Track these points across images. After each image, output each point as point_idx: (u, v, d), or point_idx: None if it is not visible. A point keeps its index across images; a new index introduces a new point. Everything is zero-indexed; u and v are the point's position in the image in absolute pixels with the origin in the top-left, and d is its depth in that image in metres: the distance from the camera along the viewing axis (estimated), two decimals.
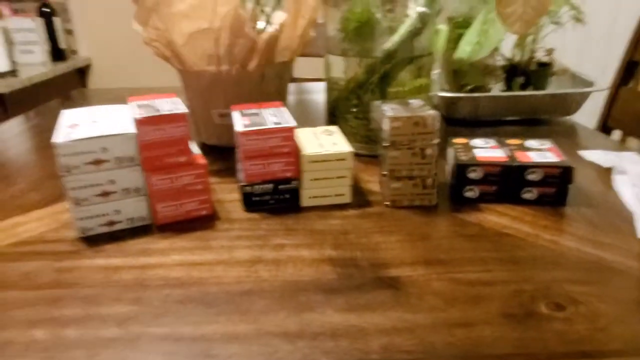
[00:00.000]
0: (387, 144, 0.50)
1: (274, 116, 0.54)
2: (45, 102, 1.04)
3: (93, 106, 0.55)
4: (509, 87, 0.87)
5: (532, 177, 0.51)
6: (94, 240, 0.47)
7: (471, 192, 0.53)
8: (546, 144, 0.56)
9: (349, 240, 0.46)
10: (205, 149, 0.72)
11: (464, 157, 0.53)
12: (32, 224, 0.51)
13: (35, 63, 1.81)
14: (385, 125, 0.50)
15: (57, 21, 1.88)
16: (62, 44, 1.91)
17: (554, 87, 0.89)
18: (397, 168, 0.51)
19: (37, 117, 0.93)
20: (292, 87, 1.15)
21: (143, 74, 2.11)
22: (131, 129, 0.47)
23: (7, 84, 1.48)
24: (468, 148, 0.56)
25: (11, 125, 0.89)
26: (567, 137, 0.76)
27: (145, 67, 2.10)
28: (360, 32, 0.67)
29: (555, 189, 0.51)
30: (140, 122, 0.46)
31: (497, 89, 0.88)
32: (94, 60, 2.10)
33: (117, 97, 1.05)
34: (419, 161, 0.51)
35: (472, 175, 0.52)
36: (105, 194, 0.47)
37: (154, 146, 0.47)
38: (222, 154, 0.70)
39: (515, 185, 0.52)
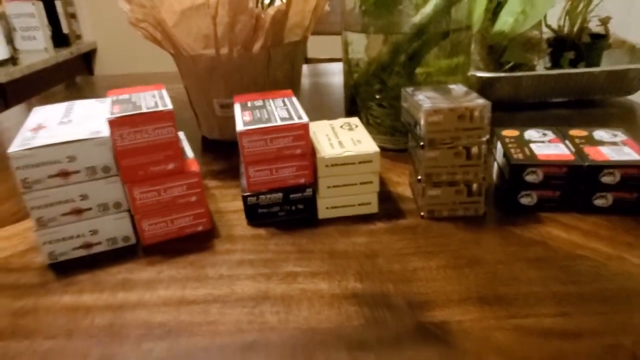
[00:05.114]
0: (423, 143, 0.40)
1: (283, 109, 0.44)
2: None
3: (75, 101, 0.46)
4: (555, 64, 0.75)
5: (607, 179, 0.41)
6: (66, 268, 0.39)
7: (528, 199, 0.43)
8: (620, 135, 0.46)
9: (378, 266, 0.37)
10: (207, 144, 0.63)
11: (519, 155, 0.42)
12: None
13: (37, 50, 1.73)
14: (421, 120, 0.40)
15: (58, 4, 1.79)
16: (65, 29, 1.83)
17: (607, 62, 0.77)
18: (435, 172, 0.42)
19: (39, 105, 0.85)
20: (306, 69, 1.04)
21: (153, 58, 2.02)
22: (104, 132, 0.38)
23: (6, 72, 1.41)
24: (522, 142, 0.45)
25: (10, 115, 0.81)
26: (630, 122, 0.64)
27: (155, 51, 2.01)
28: (384, 3, 0.56)
29: (636, 194, 0.41)
30: (115, 124, 0.37)
31: (541, 66, 0.76)
32: (99, 44, 2.02)
33: (123, 84, 0.96)
34: (463, 163, 0.41)
35: (530, 178, 0.42)
36: (78, 211, 0.39)
37: (134, 152, 0.38)
38: (225, 150, 0.61)
39: (585, 189, 0.42)
